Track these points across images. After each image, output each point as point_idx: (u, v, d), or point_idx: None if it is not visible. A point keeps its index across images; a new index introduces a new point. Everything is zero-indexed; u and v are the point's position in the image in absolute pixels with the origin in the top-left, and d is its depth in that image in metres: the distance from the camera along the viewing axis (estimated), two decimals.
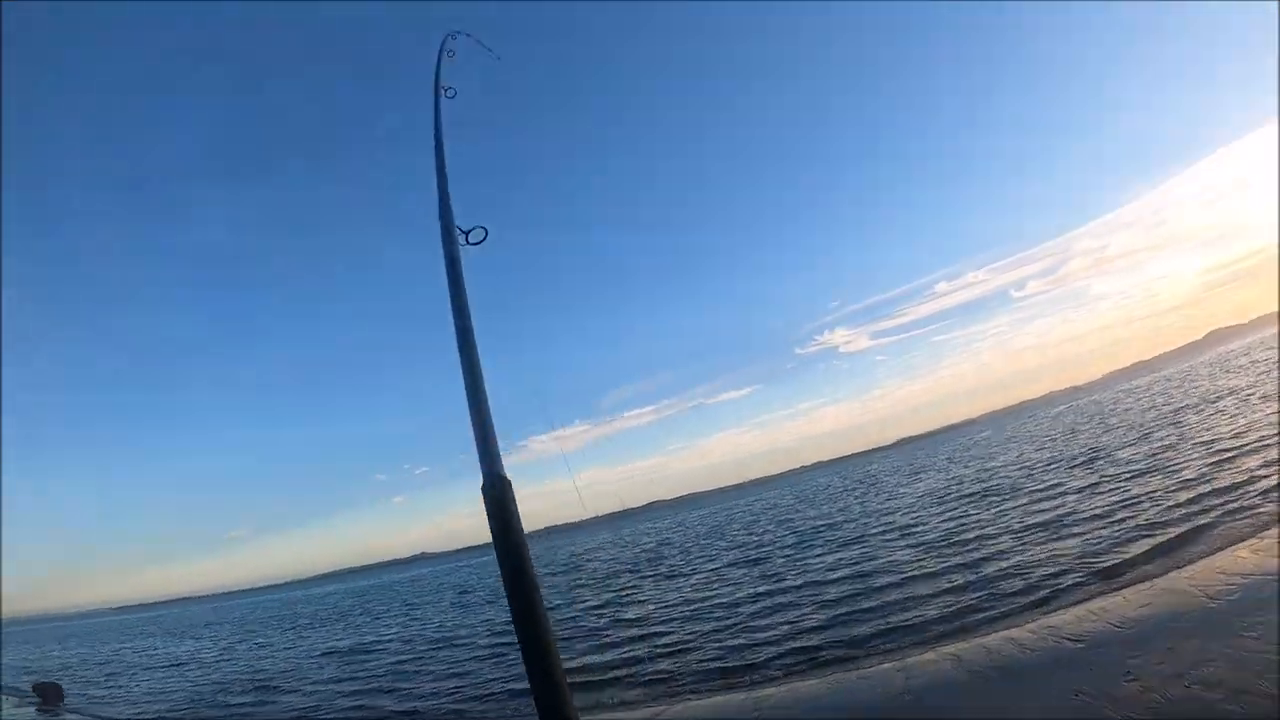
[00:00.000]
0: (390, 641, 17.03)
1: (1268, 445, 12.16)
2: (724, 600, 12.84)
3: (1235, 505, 9.14)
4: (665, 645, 10.24)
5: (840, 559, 14.13)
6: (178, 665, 20.06)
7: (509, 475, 2.37)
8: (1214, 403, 23.29)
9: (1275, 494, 9.00)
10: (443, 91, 4.27)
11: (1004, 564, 9.85)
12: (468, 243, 3.22)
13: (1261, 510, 8.55)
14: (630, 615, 13.60)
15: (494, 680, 10.27)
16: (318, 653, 17.50)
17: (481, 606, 22.01)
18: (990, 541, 11.70)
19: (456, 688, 10.39)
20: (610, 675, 9.25)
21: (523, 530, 2.21)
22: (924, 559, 11.79)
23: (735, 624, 10.55)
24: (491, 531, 2.20)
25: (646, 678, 8.96)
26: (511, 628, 2.19)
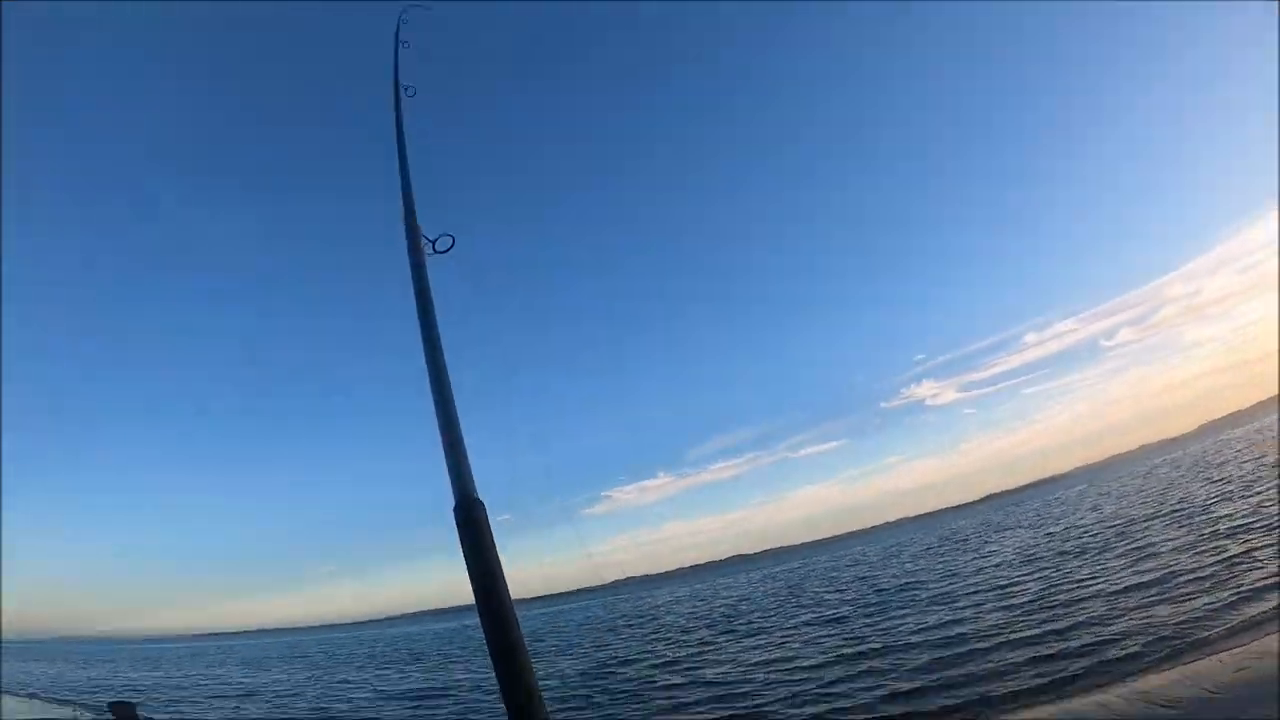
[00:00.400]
0: (462, 687, 17.38)
1: None
2: (804, 663, 12.76)
3: None
4: (742, 706, 10.30)
5: (924, 620, 13.84)
6: (249, 696, 20.34)
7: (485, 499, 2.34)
8: None
9: None
10: (403, 90, 3.94)
11: (1096, 626, 9.55)
12: (434, 251, 3.08)
13: None
14: (708, 674, 13.62)
15: None
16: (390, 694, 17.86)
17: (553, 656, 22.45)
18: (1082, 603, 11.30)
19: None
20: None
21: (496, 552, 2.15)
22: (1012, 621, 11.47)
23: (813, 688, 10.53)
24: (464, 553, 2.14)
25: None
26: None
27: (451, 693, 16.52)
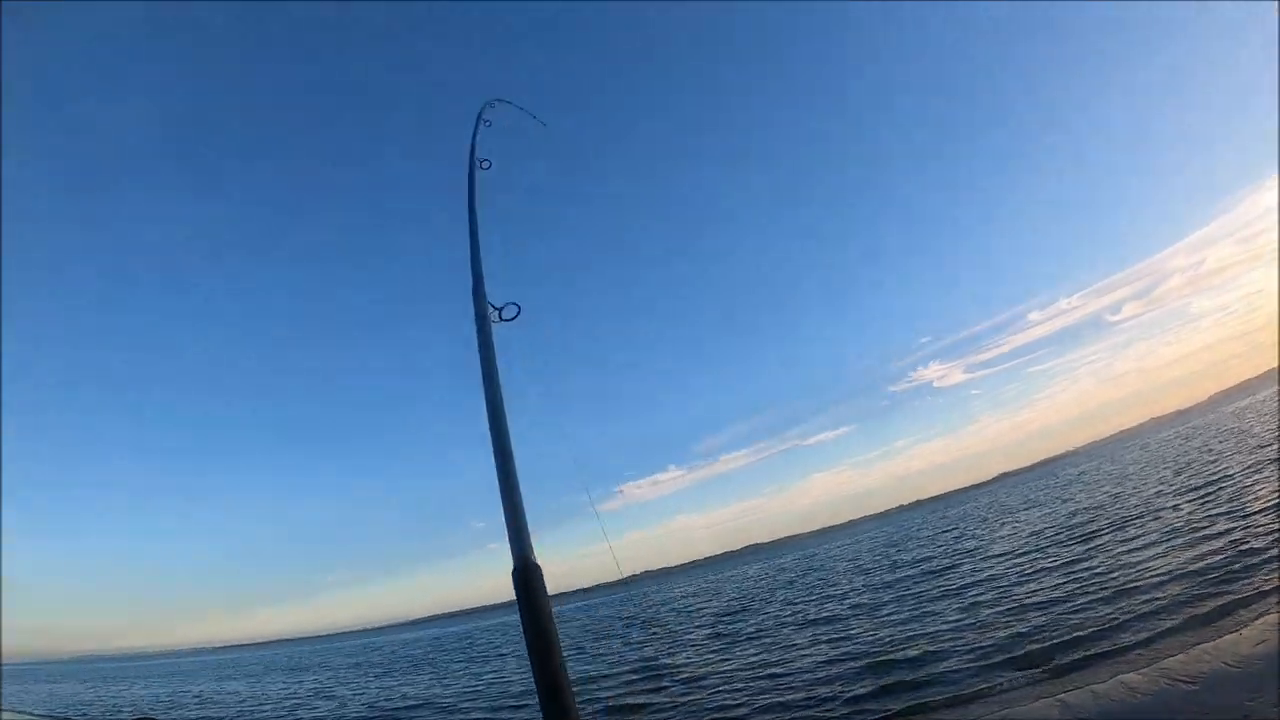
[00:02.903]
0: (445, 698, 17.38)
1: None
2: (793, 660, 12.55)
3: None
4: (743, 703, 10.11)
5: (941, 605, 13.67)
6: (250, 711, 20.69)
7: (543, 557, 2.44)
8: None
9: None
10: (478, 164, 4.07)
11: (1113, 604, 9.36)
12: (500, 319, 3.17)
13: None
14: (709, 672, 13.36)
15: None
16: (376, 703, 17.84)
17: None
18: (1097, 580, 11.09)
19: None
20: None
21: (552, 615, 2.27)
22: (1025, 601, 11.30)
23: (804, 685, 10.32)
24: (520, 616, 2.23)
25: None
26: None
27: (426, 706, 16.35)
